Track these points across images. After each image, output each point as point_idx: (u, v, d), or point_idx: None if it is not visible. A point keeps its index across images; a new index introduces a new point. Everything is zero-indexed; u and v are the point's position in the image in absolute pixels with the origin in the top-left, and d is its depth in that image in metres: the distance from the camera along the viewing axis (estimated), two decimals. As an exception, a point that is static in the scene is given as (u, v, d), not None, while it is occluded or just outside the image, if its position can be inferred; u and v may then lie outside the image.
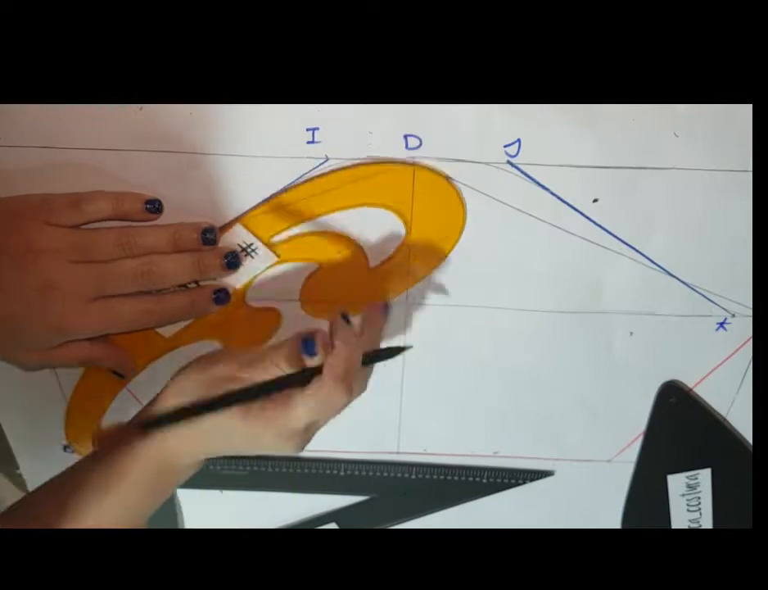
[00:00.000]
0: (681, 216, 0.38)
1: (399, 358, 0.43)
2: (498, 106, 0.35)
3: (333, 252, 0.39)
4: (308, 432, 0.35)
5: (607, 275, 0.40)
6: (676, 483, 0.48)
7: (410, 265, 0.40)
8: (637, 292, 0.41)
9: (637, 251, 0.39)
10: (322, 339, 0.34)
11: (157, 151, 0.36)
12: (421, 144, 0.36)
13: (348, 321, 0.35)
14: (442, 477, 0.48)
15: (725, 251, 0.39)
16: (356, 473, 0.48)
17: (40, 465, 0.48)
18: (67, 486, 0.35)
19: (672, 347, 0.43)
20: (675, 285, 0.40)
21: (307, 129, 0.35)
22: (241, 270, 0.39)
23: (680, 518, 0.50)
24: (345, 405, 0.34)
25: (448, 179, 0.37)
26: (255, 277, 0.40)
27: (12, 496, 0.49)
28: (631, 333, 0.42)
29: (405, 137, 0.36)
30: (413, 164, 0.36)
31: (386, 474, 0.48)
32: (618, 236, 0.39)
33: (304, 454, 0.47)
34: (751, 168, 0.36)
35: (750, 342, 0.42)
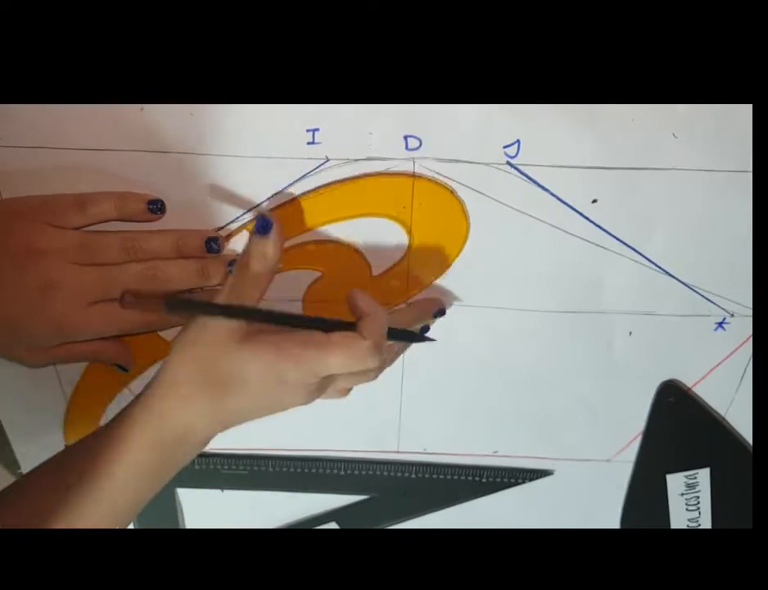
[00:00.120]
0: (681, 217, 0.38)
1: (399, 358, 0.43)
2: (498, 106, 0.35)
3: (336, 261, 0.39)
4: (322, 386, 0.34)
5: (607, 275, 0.40)
6: (675, 482, 0.48)
7: (412, 274, 0.40)
8: (636, 292, 0.41)
9: (636, 251, 0.39)
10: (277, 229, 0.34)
11: (157, 151, 0.36)
12: (421, 145, 0.36)
13: None
14: (442, 477, 0.48)
15: (724, 251, 0.39)
16: (356, 472, 0.48)
17: (40, 464, 0.48)
18: (62, 470, 0.34)
19: (671, 346, 0.43)
20: (674, 285, 0.40)
21: (307, 130, 0.35)
22: None
23: (679, 517, 0.50)
24: (373, 372, 0.34)
25: (451, 191, 0.37)
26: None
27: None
28: (630, 333, 0.42)
29: (405, 137, 0.36)
30: (413, 175, 0.36)
31: (385, 473, 0.48)
32: (618, 236, 0.39)
33: (304, 454, 0.48)
34: (751, 168, 0.36)
35: (749, 342, 0.42)
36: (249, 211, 0.38)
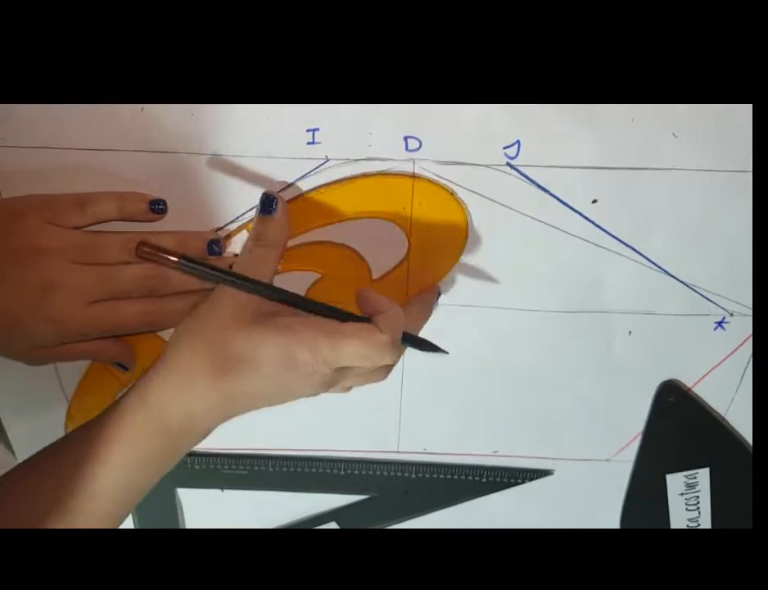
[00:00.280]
0: (681, 216, 0.38)
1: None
2: (498, 106, 0.35)
3: (335, 263, 0.39)
4: (333, 380, 0.33)
5: (607, 275, 0.40)
6: (675, 482, 0.48)
7: (413, 277, 0.40)
8: (636, 291, 0.41)
9: (636, 251, 0.39)
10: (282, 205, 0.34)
11: (157, 151, 0.36)
12: (421, 146, 0.36)
13: None
14: (442, 476, 0.48)
15: (723, 250, 0.39)
16: (356, 472, 0.48)
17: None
18: (57, 458, 0.32)
19: (671, 346, 0.43)
20: (674, 285, 0.40)
21: (307, 130, 0.35)
22: None
23: (679, 517, 0.50)
24: (384, 371, 0.34)
25: (451, 192, 0.37)
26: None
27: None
28: (630, 333, 0.42)
29: (405, 138, 0.36)
30: (413, 176, 0.36)
31: (386, 473, 0.48)
32: (617, 236, 0.39)
33: (304, 454, 0.48)
34: (751, 168, 0.36)
35: (749, 341, 0.42)
36: (249, 211, 0.38)
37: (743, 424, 0.46)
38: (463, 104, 0.35)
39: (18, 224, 0.34)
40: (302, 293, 0.40)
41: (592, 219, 0.38)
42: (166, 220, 0.36)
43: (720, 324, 0.42)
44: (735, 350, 0.43)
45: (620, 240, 0.39)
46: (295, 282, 0.40)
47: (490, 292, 0.41)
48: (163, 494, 0.50)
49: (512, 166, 0.36)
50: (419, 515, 0.51)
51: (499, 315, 0.41)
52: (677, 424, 0.46)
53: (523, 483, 0.49)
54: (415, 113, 0.35)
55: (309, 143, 0.36)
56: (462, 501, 0.50)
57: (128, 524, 0.51)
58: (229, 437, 0.47)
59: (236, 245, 0.39)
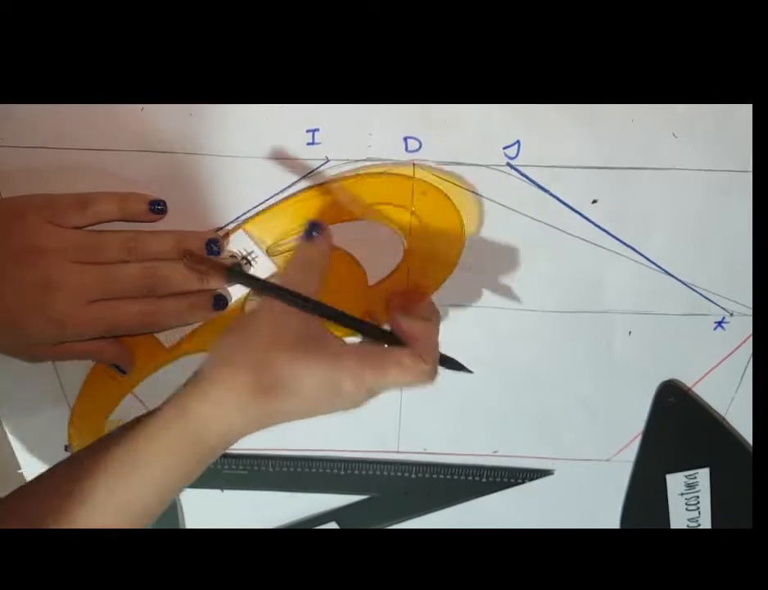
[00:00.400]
0: (681, 216, 0.38)
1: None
2: (498, 106, 0.35)
3: (331, 266, 0.39)
4: (369, 394, 0.33)
5: (607, 275, 0.40)
6: (675, 482, 0.48)
7: (410, 284, 0.40)
8: (636, 291, 0.41)
9: (636, 251, 0.39)
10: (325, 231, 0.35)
11: (157, 151, 0.36)
12: (421, 146, 0.36)
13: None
14: (442, 476, 0.48)
15: (723, 250, 0.39)
16: (356, 472, 0.48)
17: (41, 464, 0.48)
18: (73, 473, 0.32)
19: (671, 346, 0.43)
20: (674, 284, 0.40)
21: (307, 131, 0.35)
22: None
23: (679, 517, 0.50)
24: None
25: (448, 196, 0.37)
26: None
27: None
28: (630, 333, 0.42)
29: (405, 139, 0.36)
30: (412, 178, 0.36)
31: (386, 473, 0.48)
32: (617, 236, 0.39)
33: (304, 454, 0.47)
34: (751, 168, 0.36)
35: (749, 341, 0.42)
36: (249, 211, 0.38)
37: (743, 424, 0.46)
38: (463, 104, 0.35)
39: (18, 223, 0.34)
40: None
41: (592, 219, 0.38)
42: (166, 220, 0.36)
43: (720, 324, 0.42)
44: (735, 350, 0.43)
45: (620, 240, 0.39)
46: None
47: (490, 292, 0.41)
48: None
49: (512, 166, 0.36)
50: (419, 515, 0.51)
51: (499, 315, 0.41)
52: (677, 424, 0.46)
53: (523, 483, 0.49)
54: (415, 113, 0.35)
55: (309, 144, 0.36)
56: (462, 501, 0.50)
57: (128, 524, 0.51)
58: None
59: (234, 244, 0.38)
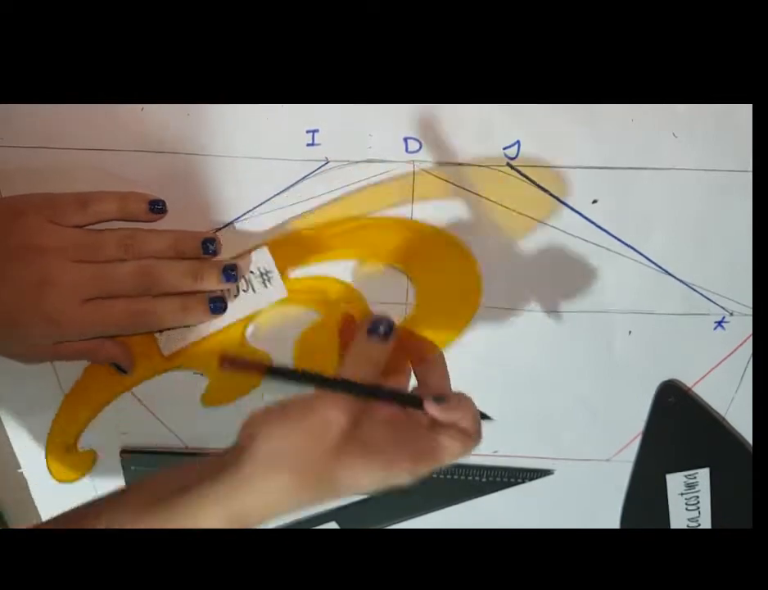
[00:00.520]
0: (681, 216, 0.38)
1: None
2: (498, 106, 0.35)
3: (340, 306, 0.39)
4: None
5: (607, 275, 0.40)
6: (675, 482, 0.48)
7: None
8: (636, 291, 0.41)
9: (636, 251, 0.39)
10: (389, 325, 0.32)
11: (157, 151, 0.36)
12: (421, 147, 0.36)
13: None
14: (442, 476, 0.48)
15: (723, 250, 0.39)
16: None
17: (41, 464, 0.48)
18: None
19: (671, 346, 0.43)
20: (674, 284, 0.40)
21: (307, 131, 0.35)
22: (252, 297, 0.39)
23: (679, 517, 0.50)
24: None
25: (462, 246, 0.38)
26: (262, 310, 0.40)
27: (12, 495, 0.50)
28: (630, 333, 0.42)
29: (405, 140, 0.36)
30: (421, 225, 0.37)
31: (385, 473, 0.48)
32: (617, 236, 0.39)
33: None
34: (751, 168, 0.36)
35: (749, 341, 0.42)
36: (249, 211, 0.38)
37: (743, 424, 0.46)
38: (463, 104, 0.35)
39: (18, 222, 0.34)
40: (296, 335, 0.41)
41: (592, 219, 0.38)
42: (166, 220, 0.36)
43: (720, 323, 0.42)
44: (735, 350, 0.43)
45: (620, 240, 0.39)
46: (293, 320, 0.40)
47: (490, 292, 0.41)
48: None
49: (512, 167, 0.36)
50: (419, 515, 0.51)
51: (500, 315, 0.41)
52: (677, 424, 0.46)
53: (523, 483, 0.49)
54: (415, 114, 0.35)
55: (308, 145, 0.36)
56: (462, 501, 0.50)
57: (129, 523, 0.51)
58: (229, 436, 0.47)
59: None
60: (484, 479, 0.49)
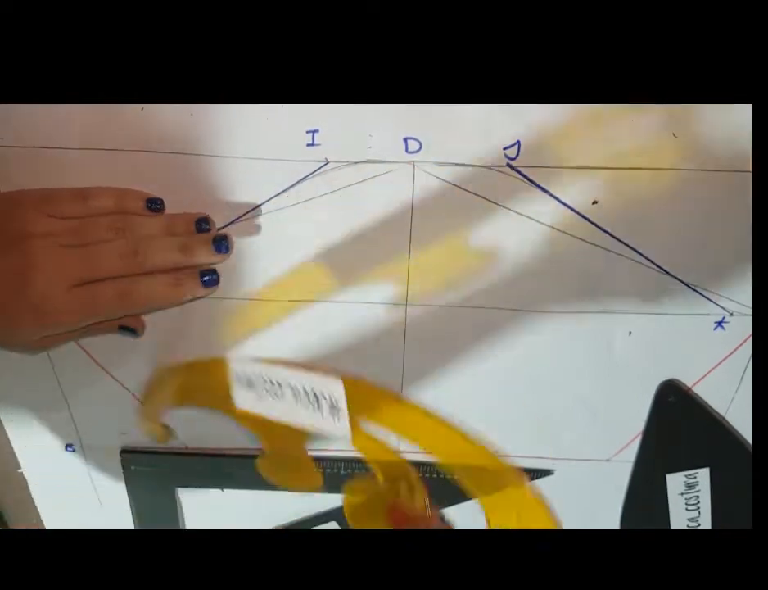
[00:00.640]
0: (680, 216, 0.38)
1: (398, 357, 0.43)
2: (498, 106, 0.35)
3: (397, 485, 0.39)
4: None
5: (607, 275, 0.40)
6: (675, 482, 0.48)
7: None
8: (636, 291, 0.41)
9: (636, 251, 0.39)
10: None
11: (157, 151, 0.36)
12: (421, 148, 0.36)
13: None
14: (442, 476, 0.48)
15: (724, 250, 0.39)
16: (356, 472, 0.48)
17: (41, 463, 0.48)
18: None
19: (671, 346, 0.43)
20: (674, 284, 0.40)
21: (307, 132, 0.35)
22: (319, 419, 0.37)
23: (679, 517, 0.50)
24: None
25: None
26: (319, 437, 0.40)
27: (12, 495, 0.50)
28: (630, 333, 0.42)
29: (405, 140, 0.36)
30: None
31: (385, 473, 0.48)
32: (617, 237, 0.39)
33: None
34: (751, 168, 0.36)
35: (749, 341, 0.42)
36: (249, 211, 0.38)
37: (743, 424, 0.46)
38: (463, 104, 0.35)
39: (15, 212, 0.33)
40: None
41: (592, 220, 0.38)
42: (166, 220, 0.36)
43: (720, 323, 0.42)
44: (735, 350, 0.43)
45: (620, 240, 0.39)
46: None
47: (490, 292, 0.41)
48: (163, 494, 0.50)
49: (512, 167, 0.36)
50: (419, 515, 0.51)
51: (499, 316, 0.41)
52: (677, 424, 0.46)
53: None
54: (415, 114, 0.35)
55: (308, 145, 0.36)
56: (462, 501, 0.50)
57: (129, 523, 0.51)
58: (229, 436, 0.47)
59: (327, 384, 0.38)
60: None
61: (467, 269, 0.40)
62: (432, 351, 0.43)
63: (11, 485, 0.49)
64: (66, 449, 0.47)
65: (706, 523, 0.50)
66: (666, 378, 0.45)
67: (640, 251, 0.39)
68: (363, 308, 0.41)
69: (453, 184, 0.37)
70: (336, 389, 0.36)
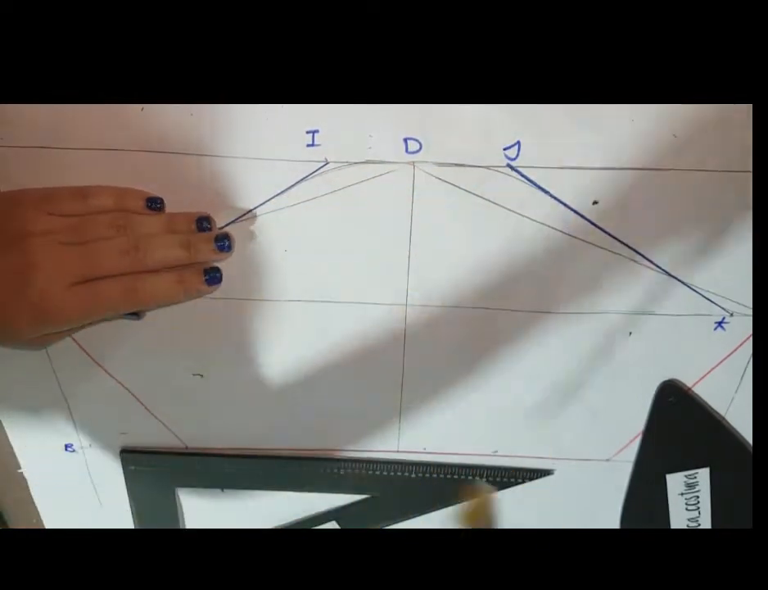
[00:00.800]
0: (680, 216, 0.38)
1: (398, 357, 0.43)
2: (498, 106, 0.35)
3: None
4: None
5: (607, 276, 0.40)
6: (675, 482, 0.48)
7: None
8: (636, 292, 0.41)
9: (637, 251, 0.39)
10: None
11: (157, 151, 0.36)
12: (421, 148, 0.36)
13: None
14: (442, 476, 0.48)
15: (723, 250, 0.39)
16: (356, 472, 0.48)
17: (41, 463, 0.48)
18: None
19: (671, 346, 0.43)
20: (674, 285, 0.40)
21: (307, 132, 0.35)
22: None
23: (679, 517, 0.50)
24: None
25: None
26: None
27: (12, 495, 0.50)
28: (630, 333, 0.42)
29: (405, 140, 0.36)
30: None
31: (385, 473, 0.48)
32: (618, 237, 0.39)
33: (305, 453, 0.47)
34: (751, 168, 0.36)
35: (749, 342, 0.42)
36: (249, 211, 0.38)
37: (743, 424, 0.46)
38: (463, 104, 0.35)
39: (15, 211, 0.33)
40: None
41: (592, 220, 0.38)
42: (166, 220, 0.36)
43: (720, 324, 0.42)
44: (735, 350, 0.43)
45: (620, 241, 0.39)
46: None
47: (490, 293, 0.41)
48: (163, 494, 0.50)
49: (512, 168, 0.36)
50: (419, 516, 0.51)
51: (500, 316, 0.41)
52: (677, 424, 0.46)
53: (523, 482, 0.49)
54: (415, 114, 0.35)
55: (308, 145, 0.36)
56: (462, 502, 0.50)
57: (129, 523, 0.51)
58: (229, 437, 0.47)
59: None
60: (484, 479, 0.49)
61: (467, 269, 0.40)
62: (432, 351, 0.43)
63: (11, 485, 0.49)
64: (66, 449, 0.47)
65: (706, 523, 0.50)
66: (666, 379, 0.45)
67: (640, 251, 0.39)
68: (363, 308, 0.41)
69: (453, 185, 0.37)
70: None
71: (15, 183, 0.36)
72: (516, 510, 0.50)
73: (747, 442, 0.46)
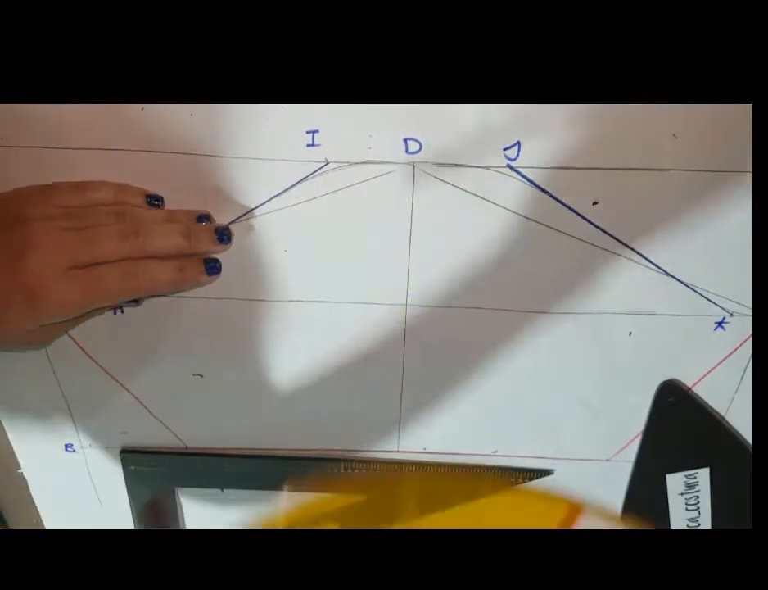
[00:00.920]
0: (680, 216, 0.38)
1: (398, 357, 0.43)
2: (498, 107, 0.35)
3: None
4: None
5: (607, 276, 0.40)
6: (675, 482, 0.48)
7: None
8: (636, 292, 0.41)
9: (636, 251, 0.39)
10: None
11: (157, 151, 0.36)
12: (421, 148, 0.36)
13: None
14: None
15: (723, 250, 0.39)
16: (356, 472, 0.48)
17: (41, 463, 0.48)
18: None
19: (671, 346, 0.43)
20: (674, 285, 0.40)
21: (307, 132, 0.35)
22: None
23: (679, 517, 0.50)
24: None
25: None
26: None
27: (12, 495, 0.50)
28: (630, 333, 0.42)
29: (405, 140, 0.36)
30: None
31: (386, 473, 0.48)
32: (618, 237, 0.39)
33: (305, 454, 0.47)
34: (751, 168, 0.36)
35: (749, 341, 0.42)
36: (249, 211, 0.38)
37: (743, 424, 0.46)
38: (463, 104, 0.35)
39: (16, 203, 0.33)
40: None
41: (592, 220, 0.38)
42: (166, 221, 0.36)
43: (720, 324, 0.42)
44: (735, 350, 0.43)
45: (620, 241, 0.39)
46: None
47: (490, 293, 0.41)
48: (163, 494, 0.50)
49: (512, 168, 0.36)
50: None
51: (500, 316, 0.41)
52: (677, 424, 0.46)
53: (523, 482, 0.49)
54: (415, 114, 0.35)
55: (308, 145, 0.36)
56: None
57: (128, 523, 0.51)
58: (229, 436, 0.47)
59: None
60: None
61: (467, 269, 0.40)
62: (432, 352, 0.43)
63: (11, 485, 0.49)
64: (66, 449, 0.47)
65: (706, 523, 0.50)
66: (666, 379, 0.45)
67: (640, 251, 0.39)
68: (363, 308, 0.41)
69: (453, 185, 0.37)
70: None
71: (15, 183, 0.36)
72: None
73: (747, 442, 0.46)
